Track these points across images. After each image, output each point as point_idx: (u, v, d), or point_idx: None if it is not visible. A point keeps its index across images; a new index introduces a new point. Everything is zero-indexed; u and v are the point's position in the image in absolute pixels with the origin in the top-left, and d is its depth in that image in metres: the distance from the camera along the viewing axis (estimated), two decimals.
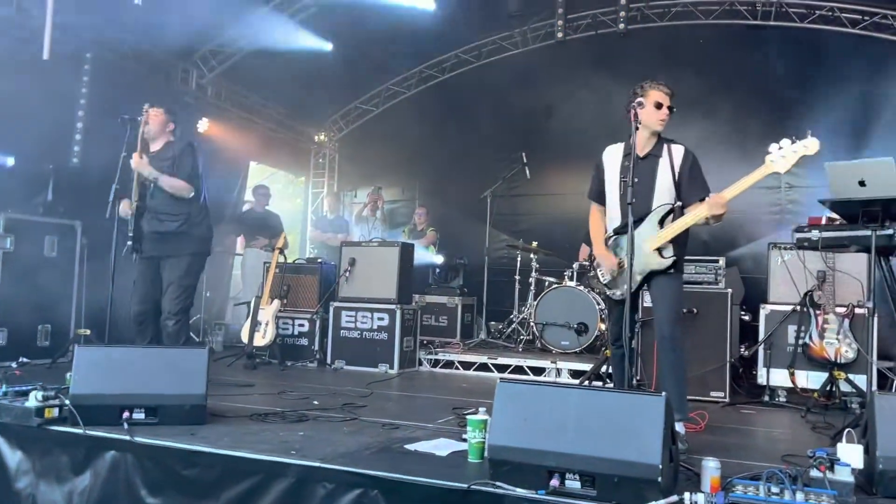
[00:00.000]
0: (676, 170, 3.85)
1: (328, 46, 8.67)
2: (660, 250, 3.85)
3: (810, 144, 3.60)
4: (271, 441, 3.36)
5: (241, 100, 9.37)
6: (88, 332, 5.94)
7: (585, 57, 9.02)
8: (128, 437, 3.26)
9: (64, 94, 6.84)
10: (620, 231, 3.96)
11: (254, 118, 9.63)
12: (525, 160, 8.48)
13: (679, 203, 3.85)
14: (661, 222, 3.87)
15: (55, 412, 3.46)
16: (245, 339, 6.63)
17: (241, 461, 3.06)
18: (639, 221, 3.83)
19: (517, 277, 8.13)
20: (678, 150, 3.90)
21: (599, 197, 4.13)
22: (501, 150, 9.59)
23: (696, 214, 3.75)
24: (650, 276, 3.93)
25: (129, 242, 4.90)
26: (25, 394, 3.55)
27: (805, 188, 8.40)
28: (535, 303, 7.39)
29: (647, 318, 5.55)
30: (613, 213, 4.04)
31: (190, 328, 5.79)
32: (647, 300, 5.55)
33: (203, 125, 8.43)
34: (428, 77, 10.47)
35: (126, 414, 3.44)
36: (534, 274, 7.87)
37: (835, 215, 4.24)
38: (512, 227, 9.62)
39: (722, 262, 5.80)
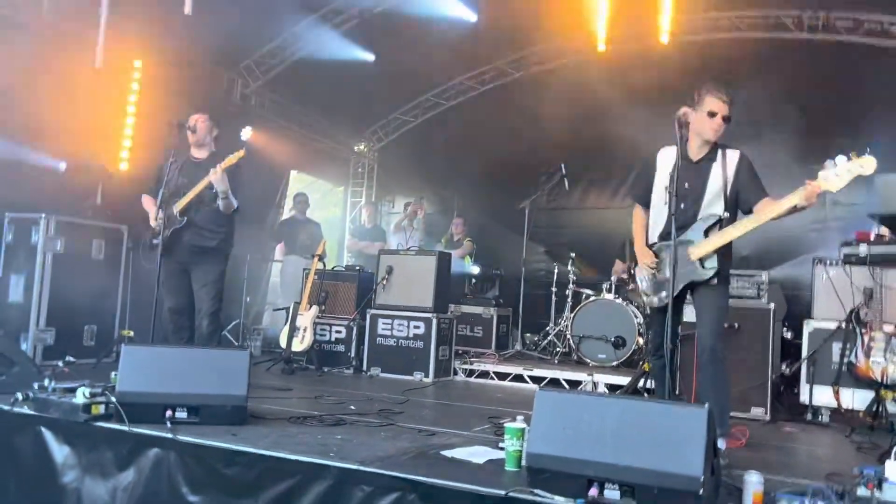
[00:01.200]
0: (731, 175, 3.75)
1: (371, 57, 8.77)
2: (702, 261, 3.76)
3: (867, 164, 3.41)
4: (310, 443, 3.40)
5: (284, 109, 9.52)
6: (132, 333, 6.07)
7: (627, 69, 8.97)
8: (171, 436, 3.32)
9: (114, 101, 7.03)
10: (665, 237, 3.87)
11: (295, 127, 9.77)
12: (564, 171, 8.46)
13: (727, 214, 3.76)
14: (707, 232, 3.78)
15: (101, 409, 3.55)
16: (283, 344, 6.71)
17: (281, 462, 3.10)
18: (684, 228, 3.77)
19: (553, 289, 8.11)
20: (733, 155, 3.80)
21: (645, 197, 4.03)
22: (540, 162, 9.58)
23: (743, 226, 3.67)
24: (693, 287, 3.85)
25: (157, 242, 5.00)
26: (73, 390, 3.64)
27: (849, 205, 8.23)
28: (573, 315, 7.35)
29: (686, 333, 5.49)
30: (658, 218, 3.94)
31: (223, 331, 5.87)
32: (688, 314, 5.51)
33: (246, 133, 8.58)
34: (468, 88, 10.51)
35: (169, 412, 3.51)
36: (571, 286, 7.83)
37: (884, 230, 4.15)
38: (550, 239, 9.59)
39: (765, 276, 5.71)
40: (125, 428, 3.40)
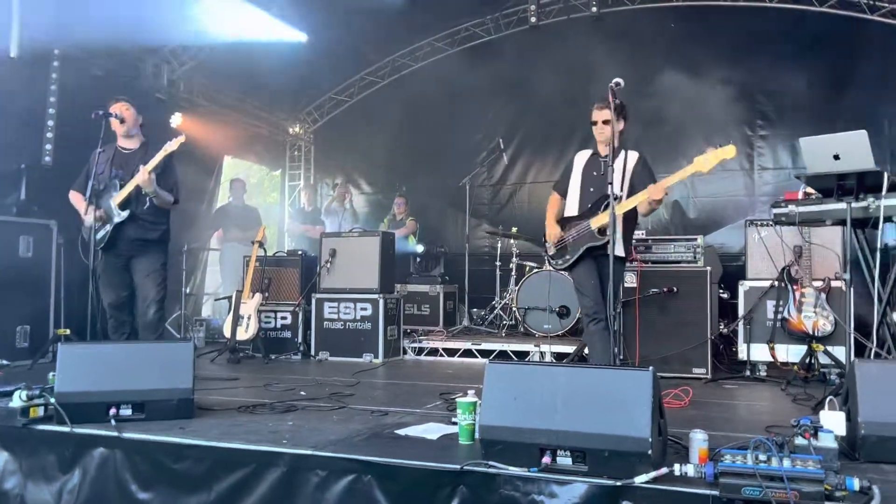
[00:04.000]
0: (629, 170, 4.49)
1: (302, 37, 8.59)
2: (600, 230, 4.43)
3: (729, 150, 4.10)
4: (261, 432, 3.36)
5: (214, 93, 9.26)
6: (68, 331, 5.86)
7: (559, 42, 9.04)
8: (116, 434, 3.23)
9: (33, 92, 6.72)
10: (577, 217, 4.63)
11: (227, 112, 9.52)
12: (502, 146, 8.50)
13: (622, 192, 4.44)
14: (606, 207, 4.36)
15: (40, 411, 3.43)
16: (227, 334, 6.59)
17: (232, 452, 3.05)
18: (596, 205, 4.50)
19: (498, 264, 8.17)
20: (632, 156, 4.56)
21: (562, 189, 4.82)
22: (479, 138, 9.61)
23: (636, 197, 4.35)
24: (599, 259, 4.49)
25: (100, 237, 4.91)
26: (9, 394, 3.50)
27: (778, 169, 8.52)
28: (517, 288, 7.44)
29: (627, 299, 5.64)
30: (572, 202, 4.71)
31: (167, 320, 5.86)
32: (628, 281, 5.64)
33: (176, 120, 8.31)
34: (402, 66, 10.43)
35: (113, 410, 3.41)
36: (514, 260, 7.90)
37: (811, 190, 4.30)
38: (492, 214, 9.66)
39: (700, 240, 5.88)
40: (67, 429, 3.29)
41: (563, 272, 5.14)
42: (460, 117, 9.56)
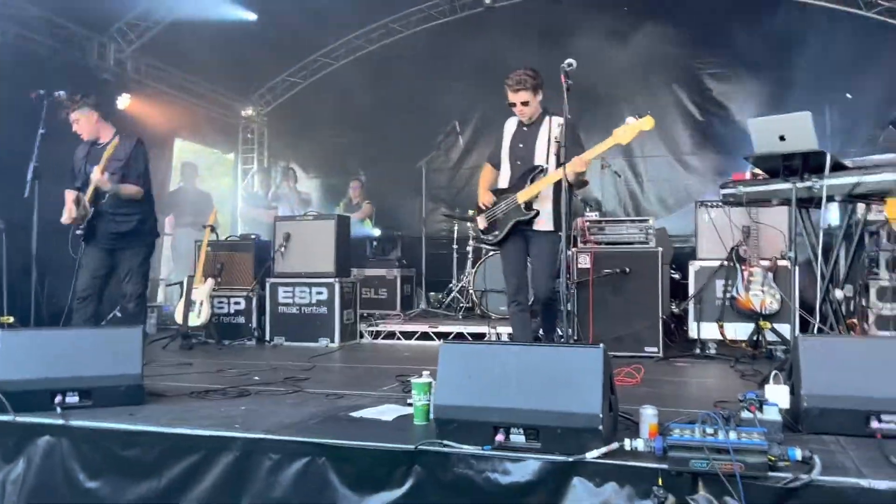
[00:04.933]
0: (553, 137, 4.40)
1: (252, 17, 8.42)
2: (527, 204, 4.44)
3: (646, 122, 4.17)
4: (213, 417, 3.31)
5: (163, 74, 9.03)
6: (11, 319, 5.69)
7: (514, 23, 9.03)
8: (62, 422, 3.15)
9: None
10: (506, 190, 4.63)
11: (176, 93, 9.30)
12: (458, 129, 8.48)
13: (548, 165, 4.45)
14: (533, 180, 4.49)
15: None
16: (179, 320, 6.48)
17: (183, 438, 3.01)
18: (523, 178, 4.50)
19: (455, 247, 8.17)
20: (557, 121, 4.41)
21: (495, 160, 4.81)
22: (436, 121, 9.56)
23: (558, 172, 4.27)
24: (528, 235, 4.52)
25: (79, 233, 5.04)
26: None
27: (727, 154, 8.68)
28: (474, 271, 7.46)
29: (581, 280, 5.70)
30: (503, 175, 4.71)
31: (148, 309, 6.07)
32: (581, 262, 5.71)
33: (124, 101, 8.09)
34: (357, 47, 10.30)
35: (58, 398, 3.33)
36: (471, 243, 7.92)
37: (758, 171, 4.39)
38: (449, 198, 9.64)
39: (651, 221, 5.96)
40: (9, 418, 3.19)
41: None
42: (416, 100, 9.49)
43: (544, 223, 4.49)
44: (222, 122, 10.54)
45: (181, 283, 6.80)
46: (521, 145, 4.61)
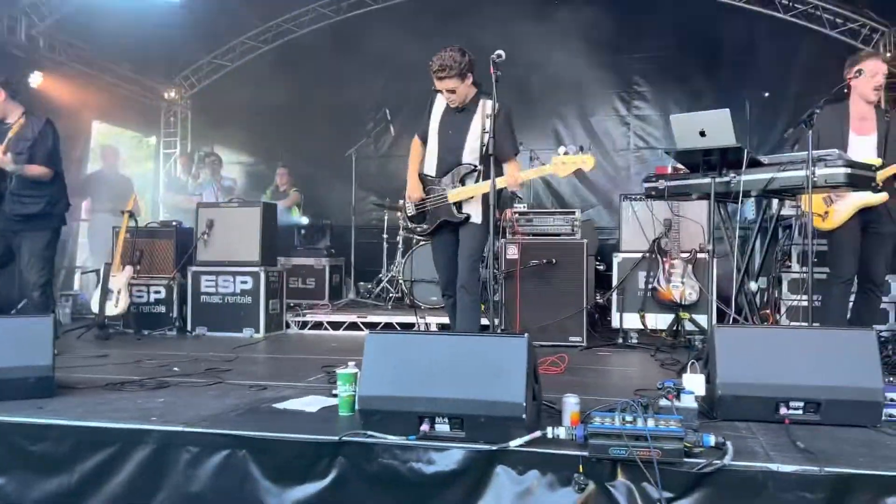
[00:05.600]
0: (486, 124, 4.09)
1: None
2: (458, 205, 4.29)
3: (588, 161, 4.10)
4: (129, 409, 3.20)
5: (80, 52, 8.60)
6: None
7: (446, 9, 9.00)
8: None
9: None
10: (433, 179, 4.42)
11: (96, 73, 8.89)
12: (389, 117, 8.42)
13: (481, 167, 4.23)
14: (464, 180, 4.27)
15: None
16: (95, 309, 6.22)
17: (96, 431, 2.89)
18: (454, 175, 4.30)
19: (385, 236, 8.12)
20: (489, 106, 4.08)
21: (423, 135, 4.50)
22: (366, 108, 9.47)
23: (484, 184, 4.11)
24: (457, 229, 4.36)
25: None
26: None
27: (652, 148, 8.94)
28: (404, 260, 7.43)
29: (509, 270, 5.76)
30: (431, 158, 4.44)
31: (54, 298, 5.83)
32: (510, 252, 5.76)
33: (36, 79, 7.69)
34: (286, 31, 10.06)
35: None
36: (401, 232, 7.87)
37: (680, 166, 4.52)
38: (379, 187, 9.55)
39: (578, 213, 6.06)
40: None
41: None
42: (346, 86, 9.35)
43: (473, 218, 4.35)
44: (144, 104, 10.14)
45: (98, 271, 6.53)
46: (450, 132, 4.34)
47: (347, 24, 9.76)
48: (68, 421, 2.96)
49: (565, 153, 4.16)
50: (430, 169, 4.46)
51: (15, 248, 5.12)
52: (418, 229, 4.58)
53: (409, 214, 4.59)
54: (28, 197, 4.97)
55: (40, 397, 3.33)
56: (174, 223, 7.18)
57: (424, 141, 4.50)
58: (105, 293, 6.19)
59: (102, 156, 8.52)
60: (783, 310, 5.69)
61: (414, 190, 4.48)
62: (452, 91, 4.19)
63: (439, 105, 4.42)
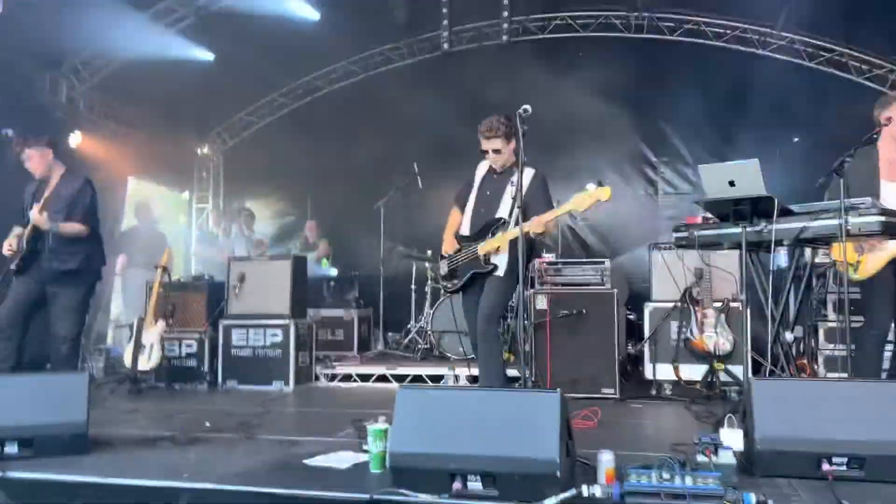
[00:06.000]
0: (523, 189, 4.17)
1: (209, 56, 8.41)
2: (486, 256, 4.39)
3: (604, 192, 4.11)
4: (161, 466, 3.21)
5: (118, 112, 8.91)
6: None
7: (471, 68, 9.20)
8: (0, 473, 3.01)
9: None
10: (468, 238, 4.57)
11: (132, 132, 9.17)
12: (417, 170, 8.52)
13: (509, 219, 4.37)
14: (494, 233, 4.39)
15: None
16: (128, 363, 6.28)
17: (129, 490, 2.90)
18: (485, 230, 4.45)
19: (413, 287, 8.14)
20: (528, 174, 4.35)
21: (462, 202, 4.72)
22: (393, 161, 9.59)
23: (512, 232, 4.24)
24: (484, 281, 4.43)
25: (13, 268, 5.00)
26: None
27: (680, 195, 8.94)
28: (432, 311, 7.42)
29: (539, 321, 5.72)
30: (466, 220, 4.65)
31: (82, 352, 5.88)
32: (539, 303, 5.73)
33: (75, 139, 7.95)
34: (314, 88, 10.34)
35: None
36: (430, 283, 7.89)
37: (709, 215, 4.49)
38: (407, 237, 9.62)
39: (607, 263, 6.03)
40: None
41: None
42: (374, 140, 9.52)
43: (498, 270, 4.42)
44: (177, 160, 10.40)
45: (131, 325, 6.62)
46: (488, 192, 4.57)
47: (375, 80, 10.01)
48: (103, 479, 2.97)
49: (584, 190, 4.24)
50: (465, 229, 4.62)
51: (49, 301, 5.17)
52: (448, 285, 4.68)
53: (442, 274, 4.73)
54: (65, 254, 5.07)
55: (75, 454, 3.36)
56: (206, 277, 7.28)
57: (462, 208, 4.71)
58: (138, 347, 6.26)
59: (136, 211, 8.71)
60: (821, 360, 5.56)
61: (449, 245, 4.65)
62: (498, 151, 4.41)
63: (480, 173, 4.70)
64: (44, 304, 5.14)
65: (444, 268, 4.70)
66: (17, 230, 5.06)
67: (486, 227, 4.46)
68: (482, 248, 4.41)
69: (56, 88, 7.97)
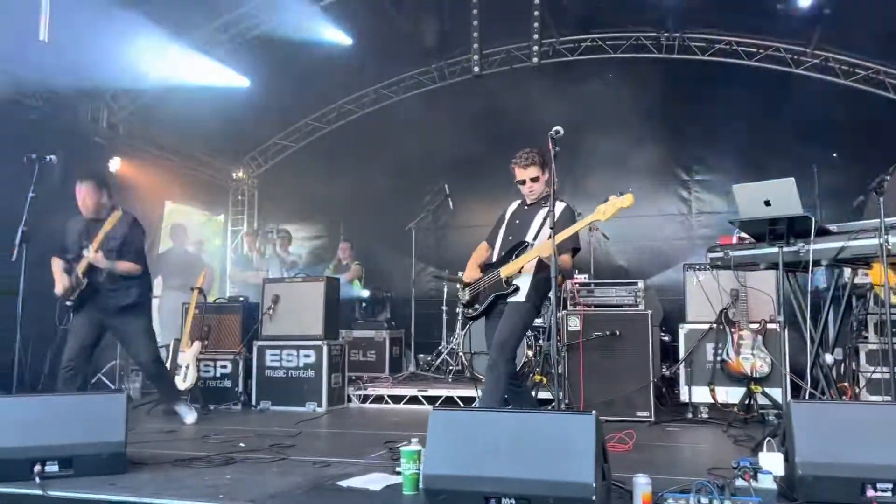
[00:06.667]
0: (553, 220, 4.16)
1: (245, 82, 8.59)
2: (508, 278, 4.34)
3: (626, 200, 3.99)
4: (197, 486, 3.23)
5: (155, 138, 9.12)
6: None
7: (502, 90, 9.25)
8: (41, 492, 3.07)
9: None
10: (492, 265, 4.52)
11: (169, 156, 9.39)
12: (448, 192, 8.57)
13: (534, 241, 4.35)
14: (518, 255, 4.36)
15: None
16: None
17: None
18: (510, 253, 4.42)
19: (444, 308, 8.15)
20: (559, 206, 4.28)
21: (492, 240, 4.72)
22: (424, 183, 9.67)
23: (537, 249, 4.25)
24: (503, 308, 4.37)
25: (69, 304, 5.11)
26: None
27: (714, 213, 8.85)
28: (463, 332, 7.41)
29: (571, 343, 5.68)
30: (495, 251, 4.62)
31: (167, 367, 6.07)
32: (571, 325, 5.70)
33: (115, 164, 8.15)
34: (347, 112, 10.49)
35: (38, 467, 3.24)
36: (460, 305, 7.87)
37: (745, 235, 4.43)
38: (438, 258, 9.66)
39: (641, 284, 5.98)
40: None
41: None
42: (406, 162, 9.60)
43: (517, 296, 4.35)
44: (213, 184, 10.61)
45: (167, 347, 6.71)
46: (517, 221, 4.57)
47: (406, 104, 10.11)
48: (139, 498, 3.00)
49: (606, 200, 4.16)
50: (493, 257, 4.60)
51: (115, 334, 5.42)
52: (470, 311, 4.62)
53: (463, 302, 4.68)
54: (122, 289, 5.21)
55: (113, 473, 3.40)
56: (241, 298, 7.36)
57: (491, 245, 4.70)
58: (174, 368, 6.34)
59: (172, 234, 8.87)
60: (862, 383, 5.42)
61: (470, 273, 4.63)
62: (535, 179, 4.41)
63: (510, 210, 4.73)
64: (103, 336, 5.32)
65: (465, 295, 4.65)
66: (57, 263, 5.15)
67: (510, 250, 4.42)
68: (504, 269, 4.37)
69: (97, 115, 8.20)
